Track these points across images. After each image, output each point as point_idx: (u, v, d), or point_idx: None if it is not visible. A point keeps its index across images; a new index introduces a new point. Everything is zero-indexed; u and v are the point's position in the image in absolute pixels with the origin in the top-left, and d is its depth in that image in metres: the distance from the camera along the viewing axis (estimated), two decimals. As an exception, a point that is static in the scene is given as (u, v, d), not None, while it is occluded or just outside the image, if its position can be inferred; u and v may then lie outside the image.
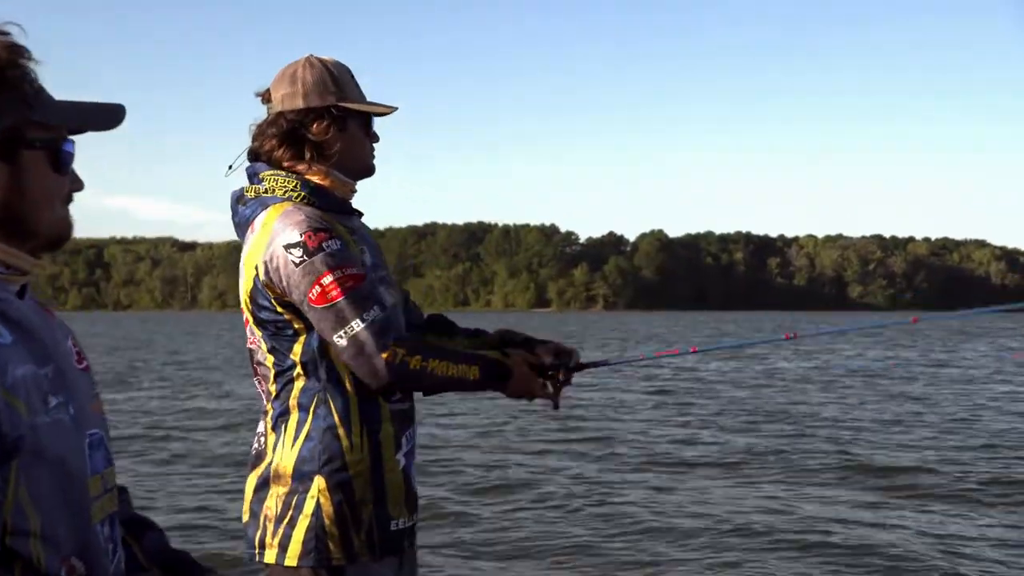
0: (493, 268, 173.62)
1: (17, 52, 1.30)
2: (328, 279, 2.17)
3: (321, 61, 2.38)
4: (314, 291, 2.17)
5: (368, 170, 2.44)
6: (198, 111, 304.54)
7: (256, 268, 2.25)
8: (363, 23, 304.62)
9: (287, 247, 2.19)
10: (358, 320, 2.16)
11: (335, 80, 2.35)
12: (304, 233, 2.19)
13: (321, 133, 2.33)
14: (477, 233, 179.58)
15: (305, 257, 2.18)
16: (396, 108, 2.40)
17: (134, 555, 1.58)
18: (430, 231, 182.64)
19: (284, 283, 2.21)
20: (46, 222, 1.35)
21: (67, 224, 1.40)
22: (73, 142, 1.38)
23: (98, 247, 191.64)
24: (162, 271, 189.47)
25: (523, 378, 2.36)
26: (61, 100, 1.37)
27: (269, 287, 2.23)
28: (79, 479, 1.33)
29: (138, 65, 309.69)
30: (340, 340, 2.17)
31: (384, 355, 2.16)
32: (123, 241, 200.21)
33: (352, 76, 2.41)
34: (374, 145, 2.44)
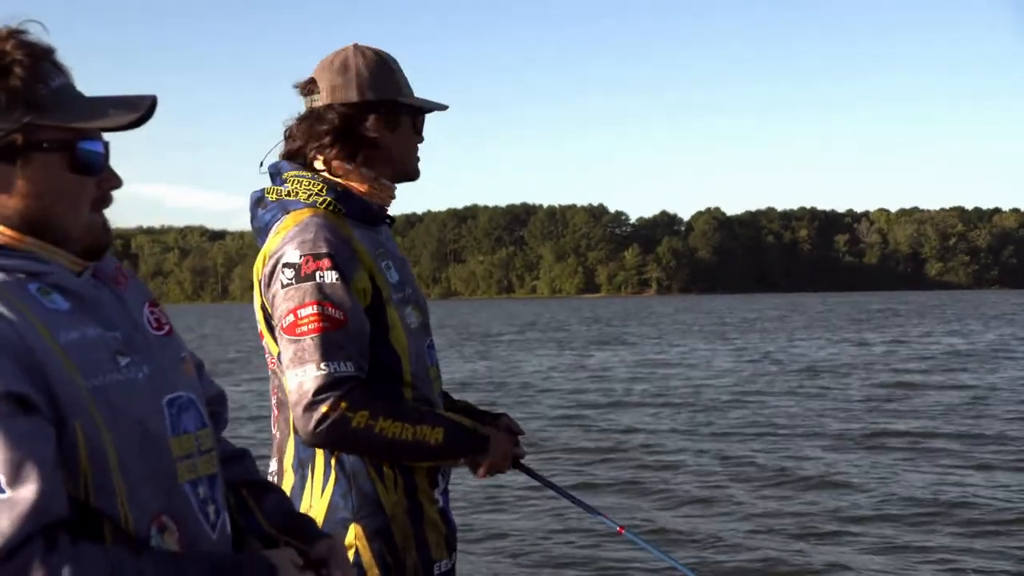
0: (538, 252, 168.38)
1: (29, 52, 1.28)
2: (306, 311, 2.02)
3: (374, 51, 2.20)
4: (287, 319, 2.03)
5: (413, 172, 2.27)
6: (226, 96, 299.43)
7: (259, 282, 2.13)
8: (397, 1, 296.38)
9: (284, 266, 2.06)
10: (314, 365, 1.99)
11: (392, 72, 2.18)
12: (304, 256, 2.04)
13: (378, 129, 2.16)
14: (521, 215, 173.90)
15: (293, 281, 2.04)
16: (447, 106, 2.27)
17: (255, 517, 1.58)
18: (471, 214, 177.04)
19: (270, 301, 2.09)
20: (71, 226, 1.33)
21: (99, 230, 1.37)
22: (101, 141, 1.35)
23: (125, 237, 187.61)
24: (192, 261, 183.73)
25: (501, 448, 2.20)
26: (88, 98, 1.34)
27: (266, 305, 2.12)
28: (159, 437, 1.34)
29: (167, 49, 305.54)
30: (291, 380, 2.02)
31: (323, 407, 1.98)
32: (151, 231, 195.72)
33: (401, 69, 2.23)
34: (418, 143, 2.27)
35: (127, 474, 1.28)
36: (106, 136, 1.37)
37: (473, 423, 2.19)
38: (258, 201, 2.19)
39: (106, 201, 1.37)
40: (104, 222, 1.38)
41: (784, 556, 6.60)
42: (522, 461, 2.33)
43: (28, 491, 1.15)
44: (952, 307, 61.25)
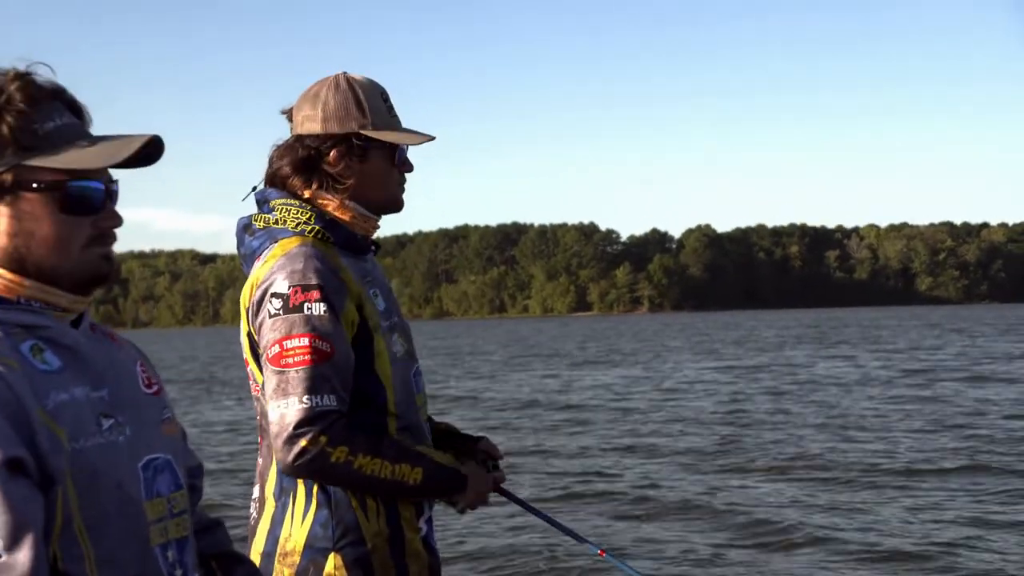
0: (530, 271, 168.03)
1: (28, 94, 1.31)
2: (292, 343, 2.00)
3: (349, 81, 2.17)
4: (273, 349, 2.02)
5: (392, 205, 2.24)
6: (216, 117, 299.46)
7: (247, 310, 2.12)
8: (387, 17, 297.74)
9: (272, 295, 2.04)
10: (296, 398, 1.98)
11: (359, 104, 2.15)
12: (293, 287, 2.03)
13: (336, 163, 2.14)
14: (512, 235, 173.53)
15: (281, 311, 2.03)
16: (431, 137, 2.21)
17: None
18: (462, 234, 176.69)
19: (257, 329, 2.08)
20: (62, 265, 1.34)
21: (97, 264, 1.37)
22: (99, 180, 1.36)
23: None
24: (183, 285, 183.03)
25: (479, 486, 2.21)
26: (93, 137, 1.37)
27: (252, 332, 2.11)
28: (134, 501, 1.35)
29: (153, 69, 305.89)
30: (273, 411, 2.01)
31: (303, 441, 1.97)
32: (141, 255, 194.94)
33: (385, 99, 2.20)
34: (405, 176, 2.25)
35: (98, 539, 1.29)
36: (116, 174, 1.38)
37: (453, 461, 2.17)
38: (245, 228, 2.19)
39: (105, 239, 1.38)
40: (105, 254, 1.38)
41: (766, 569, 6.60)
42: (502, 485, 2.33)
43: (24, 556, 1.17)
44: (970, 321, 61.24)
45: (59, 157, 1.31)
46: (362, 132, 2.13)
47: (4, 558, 1.17)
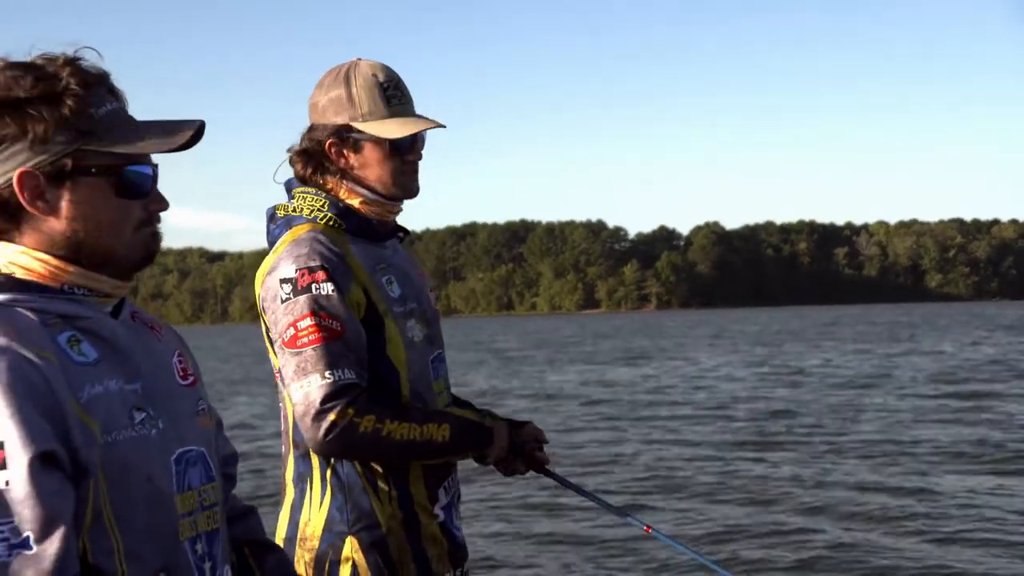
0: (538, 269, 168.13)
1: (82, 79, 1.33)
2: (305, 323, 2.05)
3: (349, 71, 2.20)
4: (288, 332, 2.06)
5: (396, 194, 2.22)
6: (225, 114, 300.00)
7: (259, 297, 2.16)
8: (396, 15, 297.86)
9: (282, 281, 2.09)
10: (318, 375, 2.02)
11: (350, 96, 2.17)
12: (299, 270, 2.08)
13: (334, 154, 2.19)
14: (519, 232, 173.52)
15: (291, 295, 2.07)
16: (419, 131, 2.19)
17: None
18: (470, 231, 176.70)
19: (270, 318, 2.12)
20: (115, 248, 1.36)
21: (145, 245, 1.40)
22: (149, 164, 1.39)
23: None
24: (191, 283, 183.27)
25: (504, 446, 2.22)
26: (137, 122, 1.38)
27: (264, 321, 2.15)
28: (164, 494, 1.36)
29: (162, 62, 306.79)
30: (295, 392, 2.04)
31: (331, 415, 2.00)
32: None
33: (386, 88, 2.19)
34: (413, 162, 2.23)
35: (127, 531, 1.30)
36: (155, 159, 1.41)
37: (476, 415, 2.21)
38: (271, 217, 2.24)
39: (152, 222, 1.41)
40: (153, 232, 1.41)
41: (822, 554, 6.46)
42: (547, 467, 2.35)
43: (53, 547, 1.20)
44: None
45: (115, 142, 1.33)
46: (352, 124, 2.16)
47: (34, 550, 1.19)
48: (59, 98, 1.30)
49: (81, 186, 1.33)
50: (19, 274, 1.33)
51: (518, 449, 2.27)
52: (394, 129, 2.16)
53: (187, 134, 1.36)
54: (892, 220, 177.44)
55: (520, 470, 2.29)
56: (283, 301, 2.07)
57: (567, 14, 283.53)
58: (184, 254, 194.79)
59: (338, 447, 2.02)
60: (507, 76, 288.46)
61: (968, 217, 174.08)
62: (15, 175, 1.30)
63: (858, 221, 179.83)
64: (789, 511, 7.89)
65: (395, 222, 2.28)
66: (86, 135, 1.31)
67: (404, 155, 2.19)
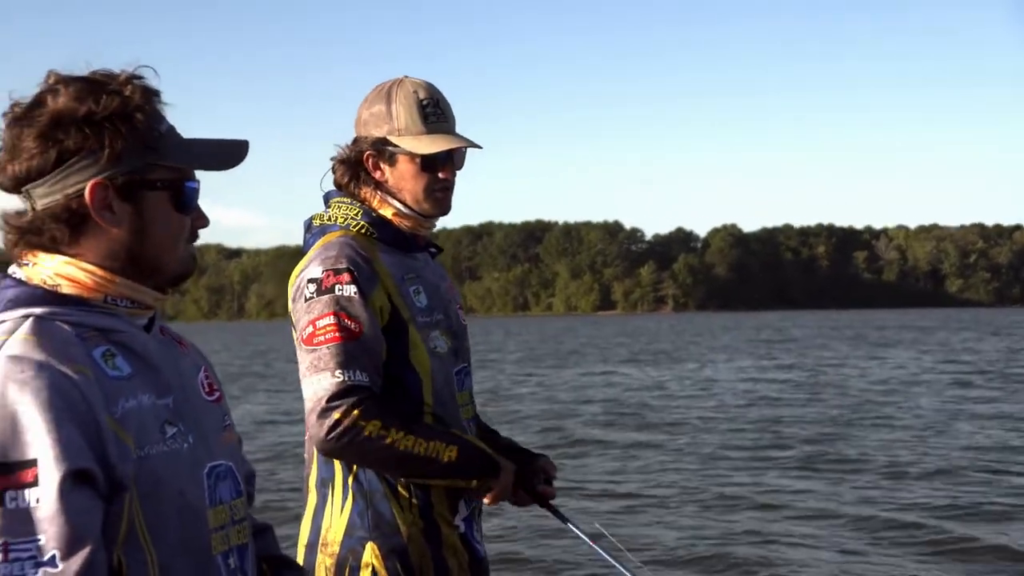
0: (554, 269, 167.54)
1: (147, 97, 1.38)
2: (324, 321, 2.09)
3: (395, 87, 2.26)
4: (307, 330, 2.11)
5: (428, 209, 2.26)
6: (242, 110, 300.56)
7: (290, 298, 2.22)
8: (418, 14, 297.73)
9: (309, 280, 2.15)
10: (329, 373, 2.05)
11: (389, 111, 2.23)
12: (326, 271, 2.13)
13: (369, 164, 2.27)
14: (536, 232, 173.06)
15: (315, 294, 2.12)
16: (449, 148, 2.22)
17: None
18: (486, 231, 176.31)
19: (295, 316, 2.16)
20: (169, 261, 1.41)
21: (189, 261, 1.45)
22: (197, 180, 1.44)
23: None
24: (208, 280, 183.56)
25: (507, 483, 2.23)
26: (188, 139, 1.44)
27: (292, 320, 2.20)
28: (197, 509, 1.38)
29: (192, 59, 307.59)
30: (306, 388, 2.09)
31: (336, 414, 2.03)
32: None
33: (425, 106, 2.23)
34: (448, 178, 2.26)
35: (160, 545, 1.31)
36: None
37: (488, 447, 2.21)
38: (307, 227, 2.30)
39: (195, 237, 1.46)
40: (193, 252, 1.47)
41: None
42: (551, 502, 2.34)
43: (77, 565, 1.20)
44: None
45: (179, 157, 1.39)
46: (388, 138, 2.22)
47: (60, 568, 1.19)
48: (131, 115, 1.35)
49: (147, 199, 1.37)
50: (64, 286, 1.35)
51: (527, 485, 2.27)
52: (427, 145, 2.20)
53: (243, 154, 1.43)
54: (912, 224, 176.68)
55: (524, 503, 2.30)
56: (307, 300, 2.11)
57: (593, 11, 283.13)
58: (201, 250, 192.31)
59: (339, 447, 2.02)
60: (525, 76, 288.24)
61: (990, 222, 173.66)
62: (88, 186, 1.33)
63: (877, 225, 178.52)
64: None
65: (428, 237, 2.31)
66: (153, 151, 1.37)
67: (437, 171, 2.22)
